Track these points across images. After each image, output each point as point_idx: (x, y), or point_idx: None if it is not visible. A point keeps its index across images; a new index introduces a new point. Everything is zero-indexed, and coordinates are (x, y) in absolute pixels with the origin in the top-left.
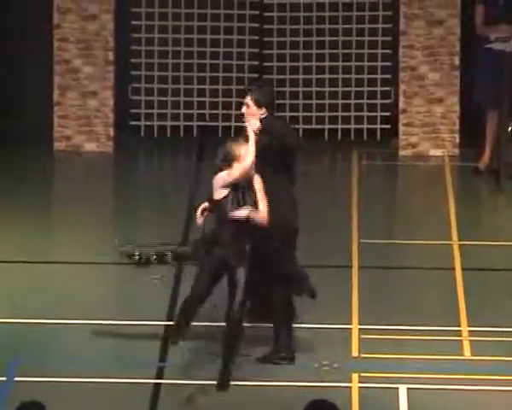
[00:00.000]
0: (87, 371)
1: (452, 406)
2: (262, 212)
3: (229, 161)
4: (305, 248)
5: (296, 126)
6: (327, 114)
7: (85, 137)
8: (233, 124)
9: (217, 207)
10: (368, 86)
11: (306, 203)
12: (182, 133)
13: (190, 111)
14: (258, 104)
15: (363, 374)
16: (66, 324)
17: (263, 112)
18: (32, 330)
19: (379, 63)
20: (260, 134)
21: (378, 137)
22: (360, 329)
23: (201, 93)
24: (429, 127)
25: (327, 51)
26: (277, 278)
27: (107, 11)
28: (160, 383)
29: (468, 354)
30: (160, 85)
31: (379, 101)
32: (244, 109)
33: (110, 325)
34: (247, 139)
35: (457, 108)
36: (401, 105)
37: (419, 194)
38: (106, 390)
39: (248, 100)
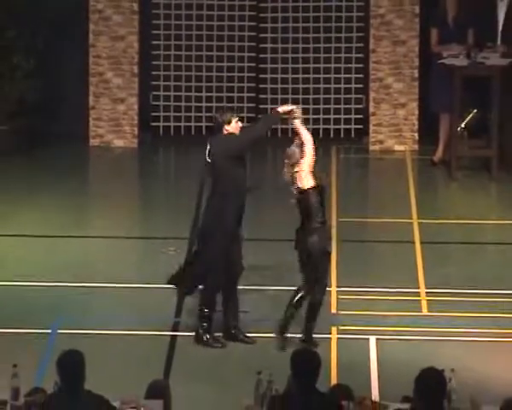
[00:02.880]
0: (116, 325)
1: (412, 352)
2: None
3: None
4: (293, 226)
5: (286, 126)
6: (311, 116)
7: (115, 135)
8: None
9: None
10: (344, 94)
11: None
12: (193, 132)
13: (200, 114)
14: None
15: (340, 327)
16: (99, 287)
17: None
18: (71, 292)
19: (353, 75)
20: None
21: (352, 135)
22: (338, 290)
23: (209, 99)
24: (394, 127)
25: (311, 66)
26: None
27: (133, 33)
28: (176, 336)
29: (425, 310)
30: (176, 93)
31: (353, 106)
32: None
33: (134, 287)
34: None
35: (417, 111)
36: (371, 109)
37: (386, 181)
38: (132, 341)
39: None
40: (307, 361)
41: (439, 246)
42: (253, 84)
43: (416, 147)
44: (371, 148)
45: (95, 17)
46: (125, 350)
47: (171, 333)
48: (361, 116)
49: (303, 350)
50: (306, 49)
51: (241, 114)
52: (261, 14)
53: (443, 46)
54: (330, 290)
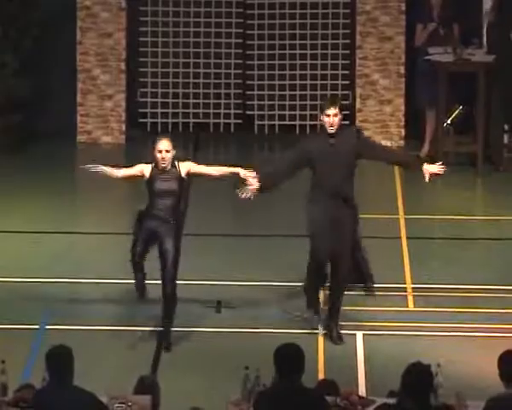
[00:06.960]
0: (104, 320)
1: (398, 347)
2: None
3: None
4: (282, 221)
5: (273, 122)
6: (298, 112)
7: (102, 131)
8: (222, 121)
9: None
10: (331, 90)
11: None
12: (180, 129)
13: (187, 110)
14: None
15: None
16: (87, 282)
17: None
18: (59, 288)
19: (340, 72)
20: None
21: None
22: (325, 286)
23: (196, 96)
24: (380, 123)
25: (298, 62)
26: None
27: (120, 30)
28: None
29: (411, 306)
30: (163, 90)
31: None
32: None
33: (122, 283)
34: None
35: (403, 107)
36: (358, 105)
37: (372, 177)
38: (120, 336)
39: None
40: (289, 357)
41: (425, 241)
42: (239, 81)
43: (402, 142)
44: None
45: (82, 14)
46: (113, 345)
47: (159, 328)
48: (347, 112)
49: (285, 346)
50: (293, 45)
51: (228, 110)
52: (248, 11)
53: (424, 33)
54: None
